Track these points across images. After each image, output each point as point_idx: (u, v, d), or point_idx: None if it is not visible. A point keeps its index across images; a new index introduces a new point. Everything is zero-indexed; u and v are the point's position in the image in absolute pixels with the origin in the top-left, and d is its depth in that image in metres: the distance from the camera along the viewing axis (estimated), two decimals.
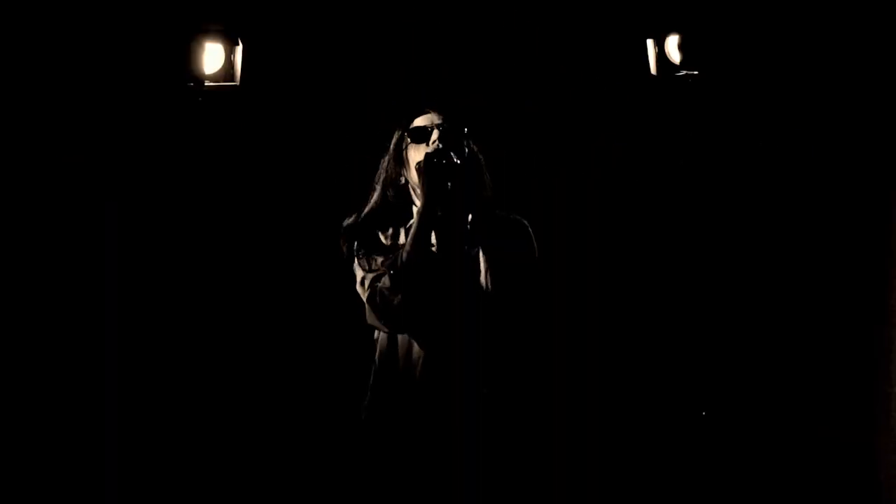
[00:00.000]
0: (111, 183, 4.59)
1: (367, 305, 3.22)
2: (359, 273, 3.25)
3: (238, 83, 4.36)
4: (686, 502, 4.57)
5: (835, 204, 4.41)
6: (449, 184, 3.13)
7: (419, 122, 3.31)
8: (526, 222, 3.31)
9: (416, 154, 3.25)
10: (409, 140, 3.29)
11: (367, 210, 3.35)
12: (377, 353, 3.30)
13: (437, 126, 3.21)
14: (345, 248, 3.32)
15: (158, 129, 4.59)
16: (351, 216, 3.36)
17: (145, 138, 4.59)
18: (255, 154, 4.67)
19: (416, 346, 3.22)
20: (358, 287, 3.26)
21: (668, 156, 4.62)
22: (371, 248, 3.27)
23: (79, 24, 4.50)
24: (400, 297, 3.13)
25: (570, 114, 4.69)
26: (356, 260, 3.28)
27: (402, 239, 3.28)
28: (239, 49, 4.35)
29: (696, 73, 4.24)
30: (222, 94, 4.39)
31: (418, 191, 3.24)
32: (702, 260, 4.64)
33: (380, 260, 3.23)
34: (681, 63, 4.16)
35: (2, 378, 4.45)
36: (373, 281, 3.18)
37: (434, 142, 3.18)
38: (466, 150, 3.17)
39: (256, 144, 4.67)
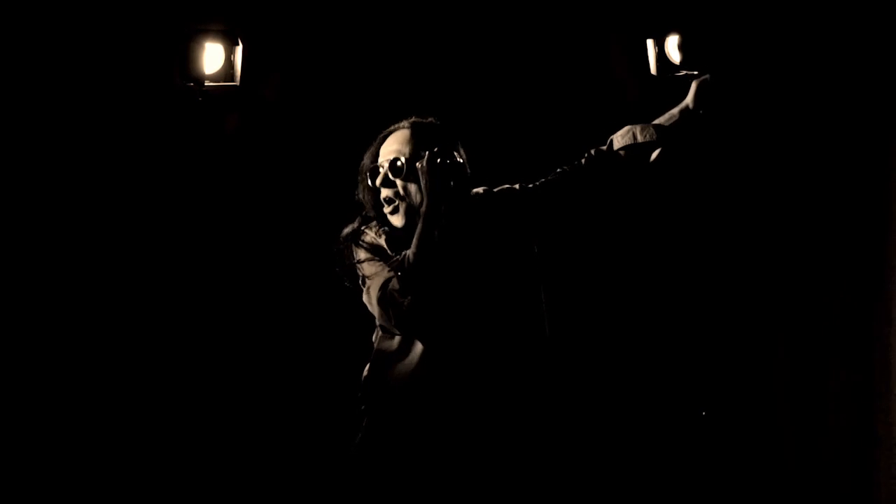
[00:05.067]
0: (111, 183, 4.59)
1: (377, 309, 3.16)
2: (369, 278, 3.18)
3: (238, 83, 4.37)
4: (686, 502, 4.58)
5: (835, 203, 4.41)
6: (452, 182, 3.12)
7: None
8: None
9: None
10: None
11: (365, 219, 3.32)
12: (372, 356, 3.26)
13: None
14: (347, 256, 3.27)
15: (158, 129, 4.59)
16: (349, 225, 3.30)
17: (145, 138, 4.59)
18: (254, 154, 4.68)
19: (414, 351, 3.19)
20: (365, 294, 3.22)
21: (669, 156, 4.61)
22: (374, 253, 3.22)
23: (78, 24, 4.51)
24: (409, 298, 3.10)
25: (570, 114, 4.69)
26: (361, 266, 3.23)
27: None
28: (239, 49, 4.36)
29: (696, 73, 4.23)
30: (222, 94, 4.40)
31: (415, 194, 3.19)
32: (702, 259, 4.65)
33: (384, 265, 3.18)
34: (681, 63, 4.15)
35: (2, 378, 4.45)
36: (382, 285, 3.13)
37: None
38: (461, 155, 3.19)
39: (256, 144, 4.68)
